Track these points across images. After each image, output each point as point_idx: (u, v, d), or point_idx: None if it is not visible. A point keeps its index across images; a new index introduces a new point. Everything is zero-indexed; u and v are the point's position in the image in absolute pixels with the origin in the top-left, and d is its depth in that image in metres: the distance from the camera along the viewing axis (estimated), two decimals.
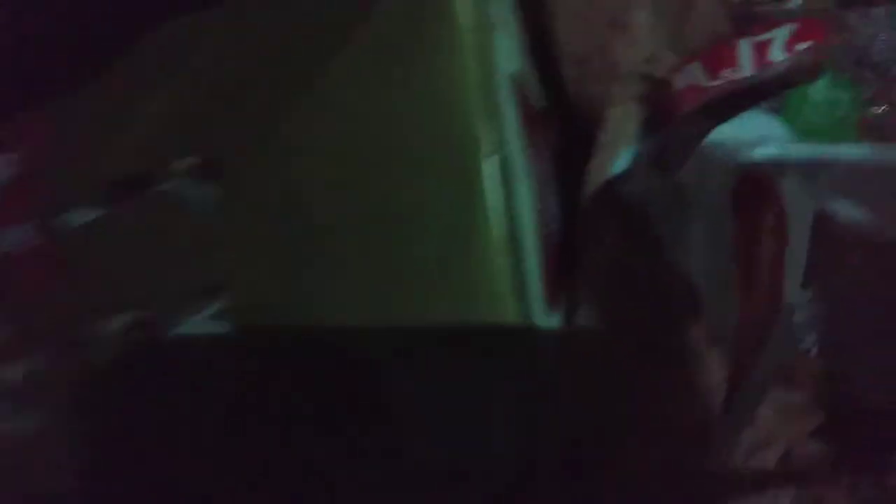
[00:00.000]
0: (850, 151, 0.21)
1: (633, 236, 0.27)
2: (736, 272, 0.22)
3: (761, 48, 0.27)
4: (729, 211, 0.22)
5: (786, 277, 0.21)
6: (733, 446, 0.23)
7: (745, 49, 0.28)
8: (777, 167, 0.21)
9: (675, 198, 0.24)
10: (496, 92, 0.27)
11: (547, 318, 0.27)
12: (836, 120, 0.23)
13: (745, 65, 0.27)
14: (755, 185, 0.22)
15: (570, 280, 0.29)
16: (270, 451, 0.27)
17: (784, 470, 0.23)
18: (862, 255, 0.19)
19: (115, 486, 0.29)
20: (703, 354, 0.22)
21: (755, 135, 0.22)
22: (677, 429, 0.24)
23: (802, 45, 0.27)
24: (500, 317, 0.25)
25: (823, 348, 0.20)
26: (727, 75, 0.27)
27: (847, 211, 0.20)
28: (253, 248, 0.28)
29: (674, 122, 0.26)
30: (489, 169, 0.26)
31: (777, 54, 0.27)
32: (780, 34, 0.27)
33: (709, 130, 0.23)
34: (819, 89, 0.23)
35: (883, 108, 0.23)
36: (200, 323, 0.28)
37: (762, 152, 0.21)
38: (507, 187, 0.26)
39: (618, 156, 0.29)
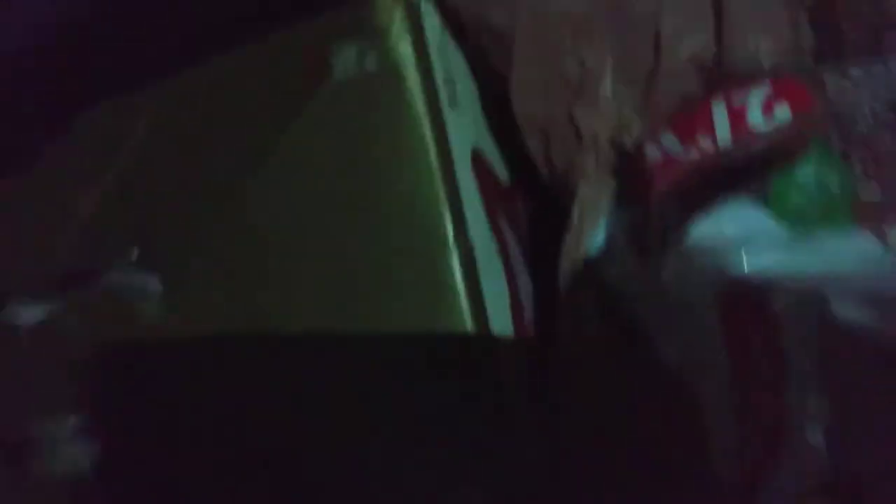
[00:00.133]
0: (849, 253, 0.18)
1: (613, 324, 0.24)
2: (729, 390, 0.19)
3: (738, 113, 0.25)
4: (717, 328, 0.20)
5: (788, 400, 0.18)
6: None
7: (719, 112, 0.26)
8: (769, 281, 0.19)
9: (657, 289, 0.22)
10: (455, 172, 0.25)
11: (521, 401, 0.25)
12: (828, 204, 0.20)
13: (720, 130, 0.25)
14: (744, 302, 0.19)
15: (545, 365, 0.27)
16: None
17: None
18: (872, 360, 0.17)
19: None
20: (696, 460, 0.20)
21: (741, 233, 0.20)
22: None
23: (781, 107, 0.25)
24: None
25: (835, 454, 0.18)
26: (702, 144, 0.25)
27: (852, 313, 0.17)
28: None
29: (648, 201, 0.23)
30: (452, 252, 0.24)
31: (756, 118, 0.25)
32: (756, 95, 0.25)
33: (688, 217, 0.21)
34: (806, 169, 0.21)
35: (875, 187, 0.20)
36: None
37: (751, 263, 0.19)
38: (473, 271, 0.25)
39: (592, 233, 0.27)
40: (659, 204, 0.23)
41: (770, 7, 0.28)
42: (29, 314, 0.28)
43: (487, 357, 0.25)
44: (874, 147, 0.21)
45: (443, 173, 0.24)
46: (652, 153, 0.26)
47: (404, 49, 0.24)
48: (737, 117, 0.25)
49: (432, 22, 0.26)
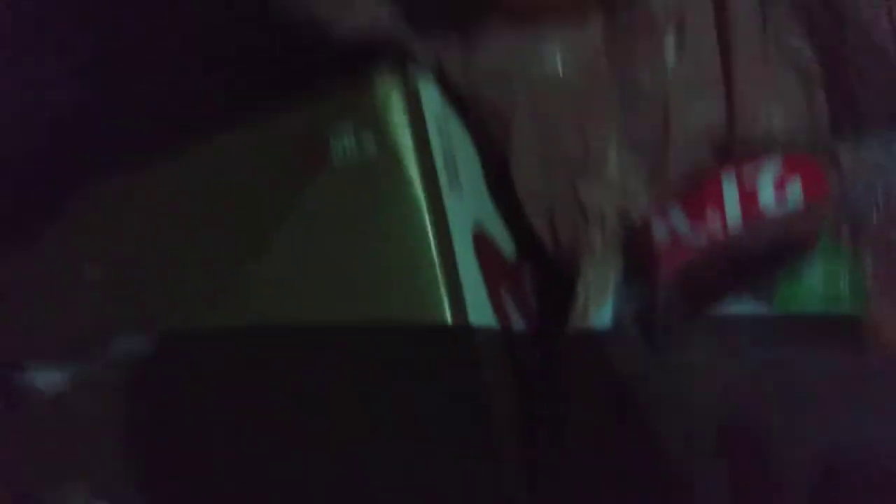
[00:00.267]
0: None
1: (618, 409, 0.24)
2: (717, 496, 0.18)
3: (749, 193, 0.24)
4: (715, 437, 0.19)
5: None
6: None
7: (730, 189, 0.25)
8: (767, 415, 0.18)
9: (659, 376, 0.21)
10: (455, 256, 0.24)
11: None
12: (837, 307, 0.19)
13: (730, 209, 0.25)
14: (743, 438, 0.18)
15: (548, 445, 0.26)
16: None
17: None
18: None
19: None
20: None
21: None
22: None
23: (793, 186, 0.24)
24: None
25: None
26: (712, 224, 0.24)
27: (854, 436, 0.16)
28: None
29: (655, 286, 0.23)
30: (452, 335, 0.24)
31: (767, 198, 0.24)
32: (768, 171, 0.25)
33: (692, 308, 0.20)
34: (814, 268, 0.20)
35: (885, 290, 0.19)
36: None
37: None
38: (475, 350, 0.24)
39: (597, 312, 0.26)
40: (665, 291, 0.22)
41: (782, 76, 0.27)
42: (44, 380, 0.28)
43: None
44: (886, 244, 0.20)
45: (442, 260, 0.23)
46: (659, 233, 0.25)
47: (402, 134, 0.24)
48: (748, 198, 0.24)
49: (431, 99, 0.25)
